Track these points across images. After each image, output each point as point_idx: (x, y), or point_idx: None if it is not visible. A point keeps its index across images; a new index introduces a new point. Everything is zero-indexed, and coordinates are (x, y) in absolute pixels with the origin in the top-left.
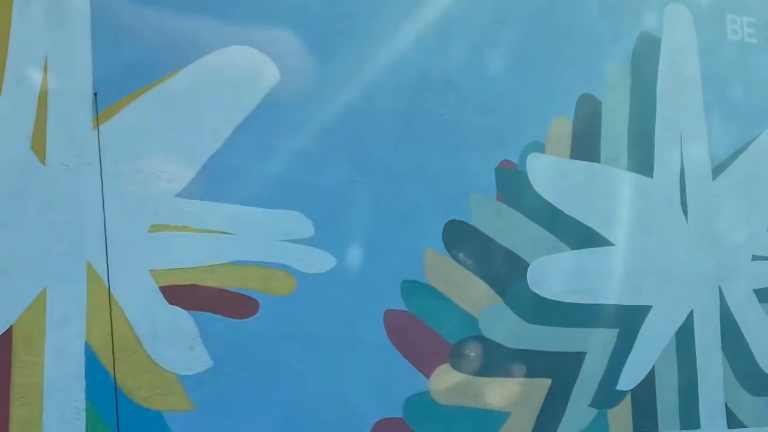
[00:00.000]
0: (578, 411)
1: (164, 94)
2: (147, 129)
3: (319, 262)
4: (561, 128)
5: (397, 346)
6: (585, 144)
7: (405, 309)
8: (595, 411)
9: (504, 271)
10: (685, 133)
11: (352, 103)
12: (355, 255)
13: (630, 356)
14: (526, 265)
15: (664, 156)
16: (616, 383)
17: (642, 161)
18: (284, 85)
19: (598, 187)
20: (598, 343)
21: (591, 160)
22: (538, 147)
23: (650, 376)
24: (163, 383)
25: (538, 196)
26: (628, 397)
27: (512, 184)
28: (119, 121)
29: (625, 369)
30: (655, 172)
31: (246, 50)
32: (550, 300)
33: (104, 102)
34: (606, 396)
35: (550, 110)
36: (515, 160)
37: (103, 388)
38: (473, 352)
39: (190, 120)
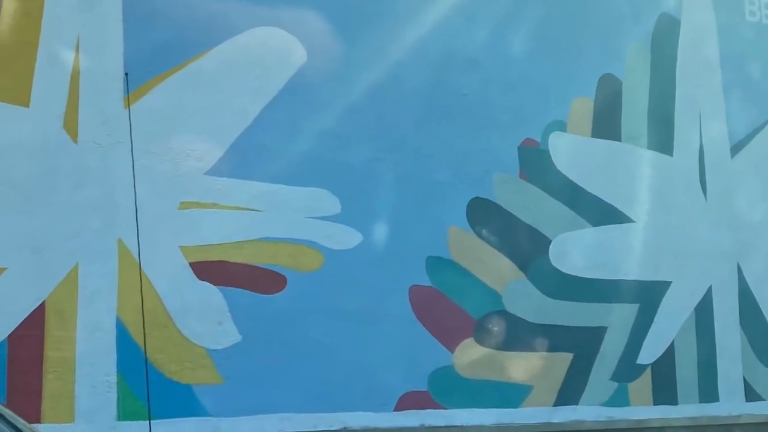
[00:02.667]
0: (599, 384)
1: (194, 75)
2: (177, 108)
3: (345, 238)
4: (582, 108)
5: (422, 320)
6: (606, 123)
7: (430, 284)
8: (615, 384)
9: (527, 248)
10: (704, 113)
11: (378, 83)
12: (380, 231)
13: (650, 331)
14: (549, 242)
15: (684, 135)
16: (636, 357)
17: (662, 140)
18: (311, 65)
19: (618, 166)
20: (618, 318)
21: (612, 139)
22: (560, 126)
23: (670, 351)
24: (193, 357)
25: (560, 174)
26: (648, 370)
27: (535, 162)
28: (150, 101)
29: (645, 343)
30: (674, 150)
31: (274, 31)
32: (572, 276)
33: (135, 82)
34: (626, 369)
35: (572, 90)
36: (538, 138)
37: (133, 361)
38: (497, 326)
39: (219, 99)
